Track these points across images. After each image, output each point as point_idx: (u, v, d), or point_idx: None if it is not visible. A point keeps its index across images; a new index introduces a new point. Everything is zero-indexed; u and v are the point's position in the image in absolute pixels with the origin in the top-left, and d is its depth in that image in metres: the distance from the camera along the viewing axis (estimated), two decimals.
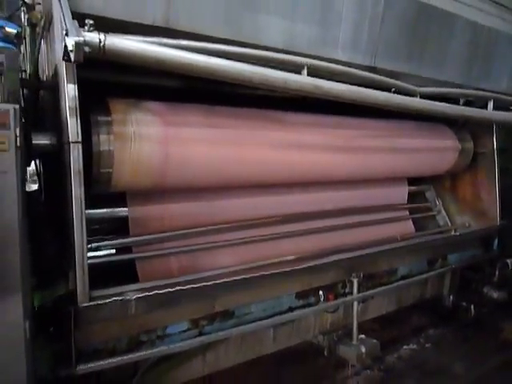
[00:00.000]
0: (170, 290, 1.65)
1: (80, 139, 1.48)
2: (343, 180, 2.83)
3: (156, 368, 1.91)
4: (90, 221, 1.94)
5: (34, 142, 1.65)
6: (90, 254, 1.87)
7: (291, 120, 2.36)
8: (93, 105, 1.78)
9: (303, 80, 1.59)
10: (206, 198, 2.32)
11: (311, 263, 2.15)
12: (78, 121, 1.49)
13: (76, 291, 1.47)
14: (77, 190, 1.48)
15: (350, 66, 1.86)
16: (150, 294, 1.60)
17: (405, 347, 2.94)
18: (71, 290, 1.49)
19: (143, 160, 1.77)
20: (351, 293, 2.49)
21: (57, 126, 1.68)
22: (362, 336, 2.56)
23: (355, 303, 2.51)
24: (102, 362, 1.58)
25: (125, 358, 1.63)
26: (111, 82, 2.00)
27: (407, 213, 3.52)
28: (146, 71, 2.09)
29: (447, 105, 2.25)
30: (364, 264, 2.53)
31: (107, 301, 1.51)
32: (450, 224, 3.59)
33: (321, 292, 2.37)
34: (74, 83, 1.50)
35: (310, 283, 2.33)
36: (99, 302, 1.50)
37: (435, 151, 3.18)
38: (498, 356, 2.90)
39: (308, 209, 2.80)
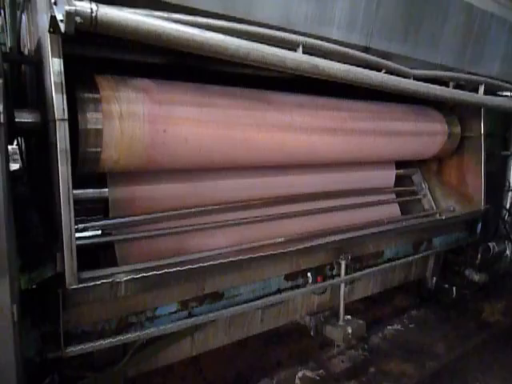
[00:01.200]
0: (157, 272, 1.63)
1: (66, 117, 1.42)
2: (332, 162, 2.82)
3: (145, 349, 1.91)
4: (77, 201, 1.90)
5: (17, 119, 1.58)
6: (78, 234, 1.84)
7: (281, 100, 2.32)
8: (79, 81, 1.70)
9: (301, 58, 1.54)
10: (195, 178, 2.29)
11: (300, 246, 2.15)
12: (65, 97, 1.43)
13: (64, 273, 1.44)
14: (63, 170, 1.43)
15: (344, 46, 1.82)
16: (138, 276, 1.58)
17: (389, 327, 3.01)
18: (59, 272, 1.45)
19: (132, 139, 1.71)
20: (339, 275, 2.52)
21: (41, 103, 1.61)
22: (348, 317, 2.61)
23: (342, 285, 2.54)
24: (90, 344, 1.56)
25: (114, 340, 1.61)
26: (96, 58, 1.92)
27: (394, 196, 3.56)
28: (132, 47, 2.03)
29: (442, 87, 2.24)
30: (352, 246, 2.55)
31: (96, 283, 1.48)
32: (435, 208, 3.64)
33: (309, 274, 2.39)
34: (60, 57, 1.43)
35: (298, 265, 2.34)
36: (88, 285, 1.47)
37: (424, 134, 3.19)
38: (478, 336, 3.00)
39: (297, 191, 2.79)
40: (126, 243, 2.04)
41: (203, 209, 2.27)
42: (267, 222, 2.55)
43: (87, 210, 2.12)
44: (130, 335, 1.65)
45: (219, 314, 1.93)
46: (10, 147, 2.47)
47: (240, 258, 1.89)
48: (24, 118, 1.60)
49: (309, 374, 2.41)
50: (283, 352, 2.92)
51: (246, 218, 2.44)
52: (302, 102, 2.39)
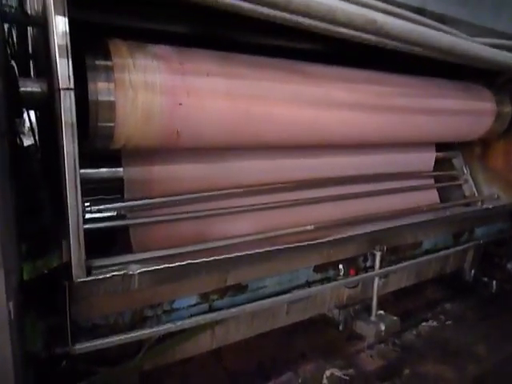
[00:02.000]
0: (174, 264, 1.45)
1: (72, 85, 1.23)
2: (368, 143, 2.57)
3: (162, 343, 1.76)
4: (89, 181, 1.74)
5: (21, 89, 1.41)
6: (89, 215, 1.68)
7: (317, 73, 2.06)
8: (90, 46, 1.50)
9: (354, 11, 1.27)
10: (218, 158, 2.09)
11: (333, 237, 1.94)
12: (70, 62, 1.23)
13: (71, 263, 1.28)
14: (69, 145, 1.25)
15: (395, 6, 1.54)
16: (152, 269, 1.40)
17: (423, 323, 2.79)
18: (65, 263, 1.29)
19: (148, 113, 1.51)
20: (373, 267, 2.30)
21: (47, 70, 1.42)
22: (381, 312, 2.40)
23: (376, 278, 2.33)
24: (100, 341, 1.41)
25: (127, 336, 1.46)
26: (110, 26, 1.72)
27: (432, 181, 3.27)
28: (150, 14, 1.82)
29: None
30: (388, 237, 2.32)
31: (106, 276, 1.32)
32: (476, 194, 3.35)
33: (341, 266, 2.18)
34: (64, 15, 1.23)
35: (329, 256, 2.13)
36: (97, 277, 1.31)
37: (471, 114, 2.88)
38: None
39: (328, 174, 2.56)
40: (142, 228, 1.87)
41: (226, 192, 2.08)
42: (295, 207, 2.34)
43: (102, 191, 1.98)
44: (144, 331, 1.50)
45: (242, 309, 1.76)
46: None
47: (267, 249, 1.69)
48: (29, 87, 1.42)
49: (337, 373, 2.23)
50: (308, 343, 2.76)
51: (272, 203, 2.24)
52: (340, 74, 2.13)
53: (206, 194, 2.01)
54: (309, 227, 2.14)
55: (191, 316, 1.69)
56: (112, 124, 1.47)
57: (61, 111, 1.23)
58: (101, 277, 1.31)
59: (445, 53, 1.53)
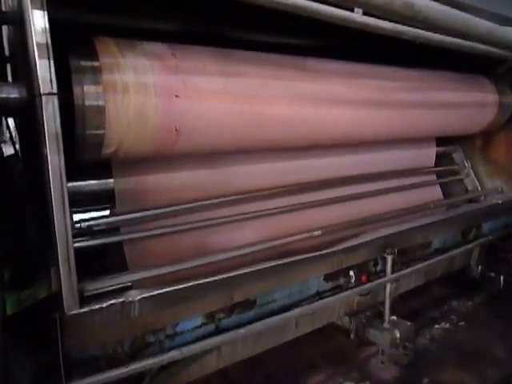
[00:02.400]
0: (174, 288, 1.30)
1: (55, 89, 1.07)
2: (372, 139, 2.44)
3: (165, 369, 1.60)
4: (77, 195, 1.58)
5: None
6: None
7: (318, 68, 1.93)
8: (74, 46, 1.34)
9: None
10: (217, 164, 1.93)
11: (344, 245, 1.81)
12: (52, 63, 1.07)
13: (61, 293, 1.12)
14: (54, 158, 1.08)
15: None
16: (155, 293, 1.25)
17: (436, 326, 2.68)
18: (55, 292, 1.13)
19: (141, 117, 1.36)
20: (384, 271, 2.18)
21: (26, 74, 1.25)
22: (394, 317, 2.28)
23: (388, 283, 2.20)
24: (98, 378, 1.25)
25: (127, 369, 1.30)
26: (97, 25, 1.56)
27: (434, 177, 3.18)
28: (139, 11, 1.67)
29: None
30: (400, 239, 2.19)
31: (103, 305, 1.16)
32: (479, 188, 3.26)
33: (352, 272, 2.05)
34: (43, 9, 1.07)
35: (339, 263, 2.00)
36: (93, 308, 1.15)
37: (474, 106, 2.78)
38: None
39: (331, 174, 2.43)
40: (138, 242, 1.71)
41: (228, 199, 1.93)
42: (299, 211, 2.21)
43: (92, 204, 1.81)
44: (146, 362, 1.34)
45: (252, 329, 1.61)
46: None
47: (276, 263, 1.55)
48: (5, 93, 1.25)
49: None
50: (316, 351, 2.63)
51: (274, 208, 2.10)
52: (342, 69, 2.00)
53: (205, 202, 1.86)
54: (316, 232, 2.01)
55: (197, 339, 1.54)
56: (101, 131, 1.31)
57: (43, 119, 1.07)
58: (96, 307, 1.15)
59: (483, 39, 1.40)
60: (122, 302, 1.20)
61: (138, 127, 1.34)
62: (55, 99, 1.06)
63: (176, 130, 1.42)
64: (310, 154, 2.32)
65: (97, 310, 1.16)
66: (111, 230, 1.69)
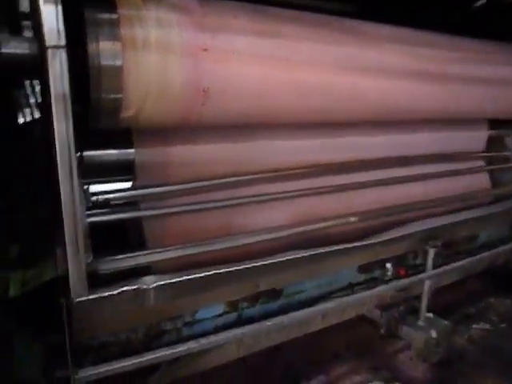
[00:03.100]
0: (194, 276, 1.16)
1: (63, 42, 0.91)
2: (419, 118, 2.20)
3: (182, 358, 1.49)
4: (93, 166, 1.44)
5: (3, 50, 1.09)
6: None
7: (368, 32, 1.69)
8: None
9: None
10: (247, 137, 1.75)
11: (385, 237, 1.62)
12: (59, 10, 0.91)
13: (68, 276, 1.00)
14: (60, 122, 0.94)
15: None
16: (172, 281, 1.11)
17: (474, 326, 2.48)
18: (61, 275, 1.01)
19: (164, 80, 1.19)
20: (424, 264, 1.98)
21: (36, 26, 1.10)
22: (430, 315, 2.10)
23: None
24: (108, 367, 1.14)
25: (141, 360, 1.18)
26: None
27: (483, 163, 2.89)
28: None
29: None
30: (445, 232, 1.98)
31: (114, 292, 1.03)
32: None
33: (389, 265, 1.87)
34: None
35: (376, 254, 1.81)
36: (102, 295, 1.02)
37: None
38: None
39: (368, 155, 2.21)
40: (159, 220, 1.58)
41: (257, 176, 1.76)
42: (334, 193, 2.01)
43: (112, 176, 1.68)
44: (161, 353, 1.22)
45: (278, 322, 1.46)
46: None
47: (308, 253, 1.39)
48: (12, 47, 1.10)
49: None
50: (340, 341, 2.50)
51: (308, 189, 1.91)
52: (394, 35, 1.75)
53: (233, 179, 1.69)
54: (352, 219, 1.82)
55: (217, 329, 1.41)
56: (119, 95, 1.15)
57: (49, 76, 0.91)
58: (107, 294, 1.02)
59: None
60: (136, 289, 1.07)
61: (161, 89, 1.17)
62: (63, 53, 0.91)
63: (204, 91, 1.24)
64: (348, 131, 2.11)
65: (107, 297, 1.03)
66: (130, 204, 1.56)
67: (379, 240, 1.59)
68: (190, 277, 1.15)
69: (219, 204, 1.67)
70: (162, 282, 1.11)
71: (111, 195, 1.47)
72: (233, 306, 1.47)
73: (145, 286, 1.08)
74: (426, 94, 1.92)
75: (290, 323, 1.61)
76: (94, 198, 1.43)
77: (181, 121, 1.34)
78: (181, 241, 1.44)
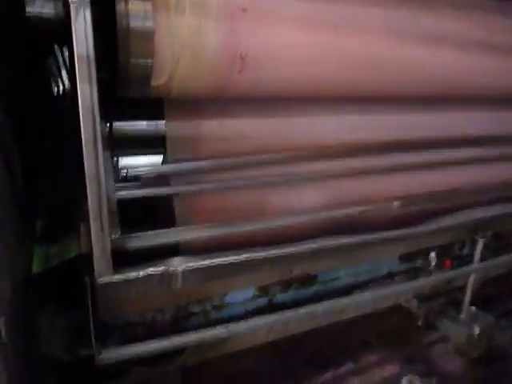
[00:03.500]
0: (224, 260, 1.08)
1: None
2: (477, 95, 1.99)
3: None
4: (121, 139, 1.37)
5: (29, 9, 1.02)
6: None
7: None
8: None
9: None
10: (286, 112, 1.63)
11: (430, 227, 1.47)
12: None
13: (91, 254, 0.94)
14: (84, 87, 0.85)
15: None
16: (201, 265, 1.04)
17: None
18: (84, 254, 0.95)
19: (199, 47, 1.08)
20: (471, 255, 1.83)
21: None
22: (473, 308, 1.95)
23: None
24: (133, 348, 1.09)
25: (167, 343, 1.13)
26: None
27: None
28: None
29: None
30: (496, 222, 1.81)
31: (139, 275, 0.97)
32: None
33: (433, 254, 1.73)
34: None
35: (420, 244, 1.68)
36: (128, 276, 0.96)
37: None
38: None
39: (415, 135, 2.03)
40: (189, 197, 1.50)
41: (294, 154, 1.64)
42: (376, 174, 1.87)
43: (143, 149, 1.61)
44: (188, 337, 1.16)
45: (312, 311, 1.37)
46: None
47: (347, 241, 1.28)
48: (40, 8, 1.02)
49: (417, 382, 1.85)
50: (371, 329, 2.40)
51: (349, 169, 1.78)
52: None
53: (269, 156, 1.58)
54: (395, 203, 1.69)
55: (246, 313, 1.34)
56: (149, 60, 1.05)
57: (72, 38, 0.82)
58: (132, 276, 0.96)
59: None
60: (163, 272, 1.00)
61: (194, 54, 1.06)
62: (87, 10, 0.81)
63: (241, 57, 1.12)
64: (392, 108, 1.93)
65: (132, 280, 0.96)
66: (160, 179, 1.49)
67: (426, 229, 1.45)
68: (220, 260, 1.08)
69: (253, 182, 1.57)
70: (191, 266, 1.04)
71: (142, 169, 1.40)
72: (264, 290, 1.40)
73: (172, 269, 1.02)
74: (494, 68, 1.72)
75: (324, 312, 1.53)
76: (124, 172, 1.36)
77: (215, 90, 1.23)
78: (211, 219, 1.37)
